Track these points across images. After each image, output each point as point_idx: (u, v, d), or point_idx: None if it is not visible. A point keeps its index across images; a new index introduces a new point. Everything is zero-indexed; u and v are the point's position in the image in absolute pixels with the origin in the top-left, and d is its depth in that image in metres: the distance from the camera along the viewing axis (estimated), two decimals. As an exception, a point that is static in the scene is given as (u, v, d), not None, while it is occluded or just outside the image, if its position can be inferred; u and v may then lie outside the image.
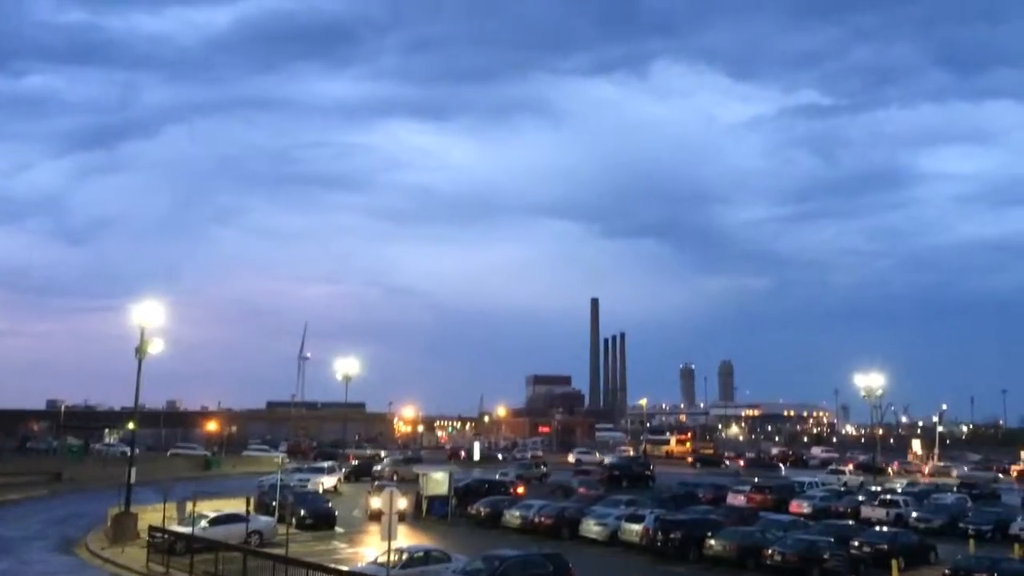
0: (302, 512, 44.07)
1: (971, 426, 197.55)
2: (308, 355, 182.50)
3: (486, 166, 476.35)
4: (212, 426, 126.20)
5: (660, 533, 37.88)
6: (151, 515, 39.99)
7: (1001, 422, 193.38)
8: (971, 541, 40.64)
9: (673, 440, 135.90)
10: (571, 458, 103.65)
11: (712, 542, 36.21)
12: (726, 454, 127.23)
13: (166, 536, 35.07)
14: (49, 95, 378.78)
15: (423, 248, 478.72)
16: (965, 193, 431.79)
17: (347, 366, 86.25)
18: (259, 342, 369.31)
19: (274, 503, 43.50)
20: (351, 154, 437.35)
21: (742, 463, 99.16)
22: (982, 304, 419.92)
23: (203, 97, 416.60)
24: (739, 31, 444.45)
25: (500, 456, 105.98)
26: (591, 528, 42.03)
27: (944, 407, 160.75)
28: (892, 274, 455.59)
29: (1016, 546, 38.33)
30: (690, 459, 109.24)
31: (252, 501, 43.87)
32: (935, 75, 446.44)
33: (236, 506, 41.71)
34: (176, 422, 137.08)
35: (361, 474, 72.80)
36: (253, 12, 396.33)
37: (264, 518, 40.97)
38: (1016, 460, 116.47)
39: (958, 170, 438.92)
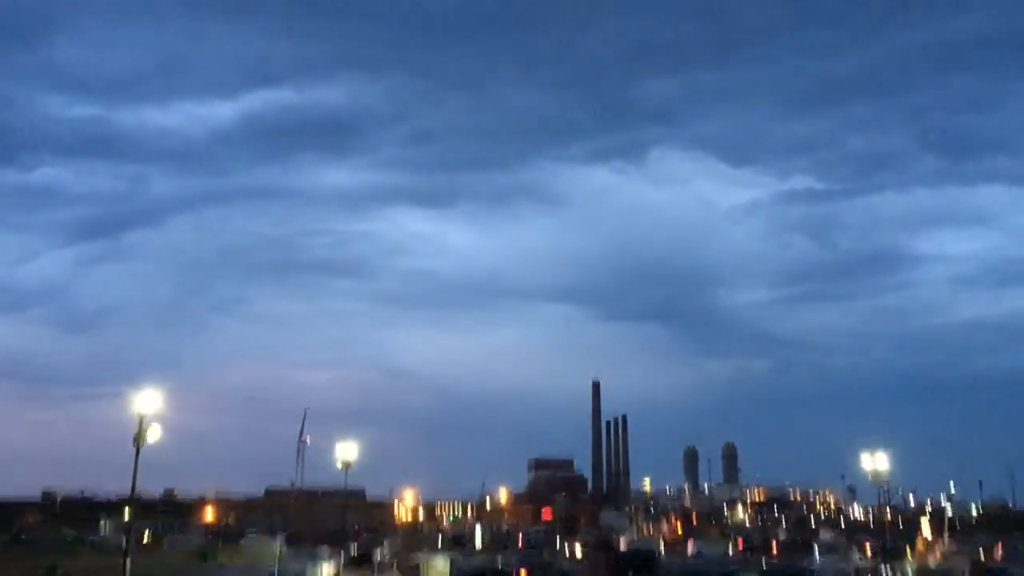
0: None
1: (981, 508, 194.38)
2: (307, 440, 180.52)
3: (487, 251, 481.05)
4: (209, 516, 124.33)
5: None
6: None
7: (1010, 503, 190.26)
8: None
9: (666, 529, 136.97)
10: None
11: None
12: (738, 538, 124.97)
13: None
14: (57, 187, 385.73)
15: (424, 332, 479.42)
16: (962, 274, 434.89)
17: (346, 451, 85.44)
18: (258, 428, 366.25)
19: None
20: (352, 241, 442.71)
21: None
22: (984, 385, 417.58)
23: (207, 188, 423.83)
24: (734, 119, 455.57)
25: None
26: (596, 618, 41.12)
27: (953, 489, 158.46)
28: (892, 355, 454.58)
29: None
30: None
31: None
32: (928, 161, 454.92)
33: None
34: (173, 511, 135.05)
35: (363, 562, 71.48)
36: (257, 106, 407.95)
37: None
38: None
39: (954, 252, 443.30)
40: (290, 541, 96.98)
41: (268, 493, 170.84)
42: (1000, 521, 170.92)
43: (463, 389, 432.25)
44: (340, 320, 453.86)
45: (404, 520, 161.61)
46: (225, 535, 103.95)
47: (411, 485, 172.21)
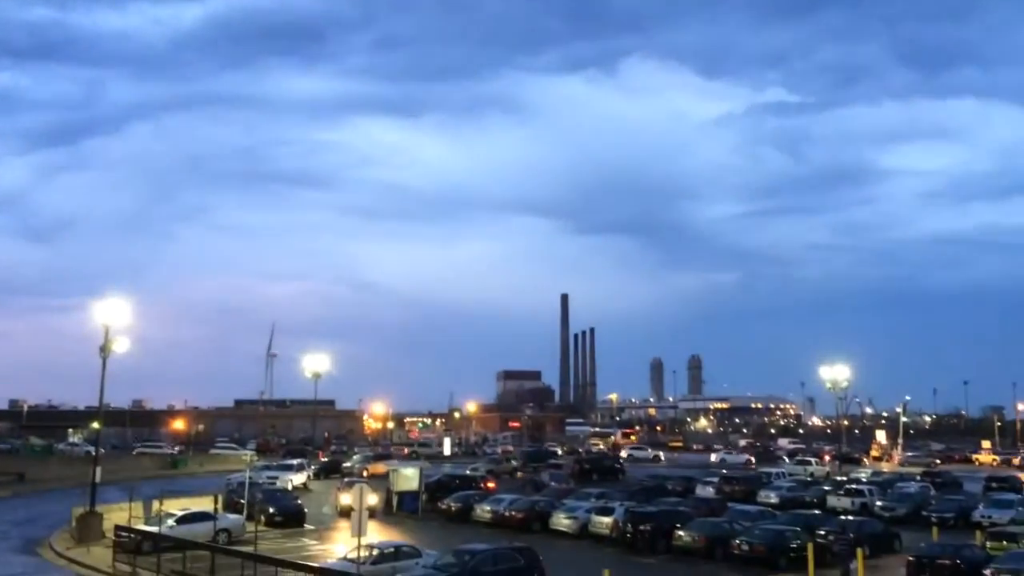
0: (271, 510, 43.78)
1: (934, 416, 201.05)
2: (276, 353, 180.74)
3: (457, 163, 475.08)
4: (179, 424, 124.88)
5: (630, 525, 38.10)
6: (117, 515, 39.51)
7: (963, 412, 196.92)
8: (934, 529, 41.32)
9: (622, 432, 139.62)
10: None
11: (681, 533, 36.50)
12: (695, 446, 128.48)
13: (132, 535, 34.62)
14: (15, 92, 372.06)
15: (393, 245, 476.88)
16: (929, 189, 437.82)
17: (316, 363, 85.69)
18: (227, 340, 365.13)
19: (242, 501, 43.13)
20: (320, 151, 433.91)
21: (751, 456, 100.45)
22: (945, 298, 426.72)
23: (169, 94, 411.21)
24: (708, 29, 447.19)
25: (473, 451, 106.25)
26: (561, 521, 42.18)
27: (908, 398, 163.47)
28: (857, 268, 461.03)
29: (978, 533, 39.03)
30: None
31: (220, 499, 43.42)
32: (900, 73, 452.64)
33: (204, 504, 41.26)
34: (142, 421, 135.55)
35: (331, 471, 72.45)
36: (221, 9, 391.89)
37: (232, 516, 40.60)
38: (977, 449, 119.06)
39: (922, 166, 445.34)
40: (260, 450, 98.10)
41: (237, 403, 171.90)
42: (952, 429, 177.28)
43: (432, 302, 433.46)
44: (308, 232, 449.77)
45: (374, 430, 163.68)
46: (195, 445, 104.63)
47: (381, 397, 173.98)
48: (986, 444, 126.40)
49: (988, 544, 34.44)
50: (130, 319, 42.05)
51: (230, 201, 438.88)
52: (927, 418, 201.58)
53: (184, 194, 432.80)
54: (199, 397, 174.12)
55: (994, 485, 62.03)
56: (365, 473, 67.52)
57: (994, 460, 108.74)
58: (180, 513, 37.92)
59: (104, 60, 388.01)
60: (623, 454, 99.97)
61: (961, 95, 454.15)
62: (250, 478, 45.91)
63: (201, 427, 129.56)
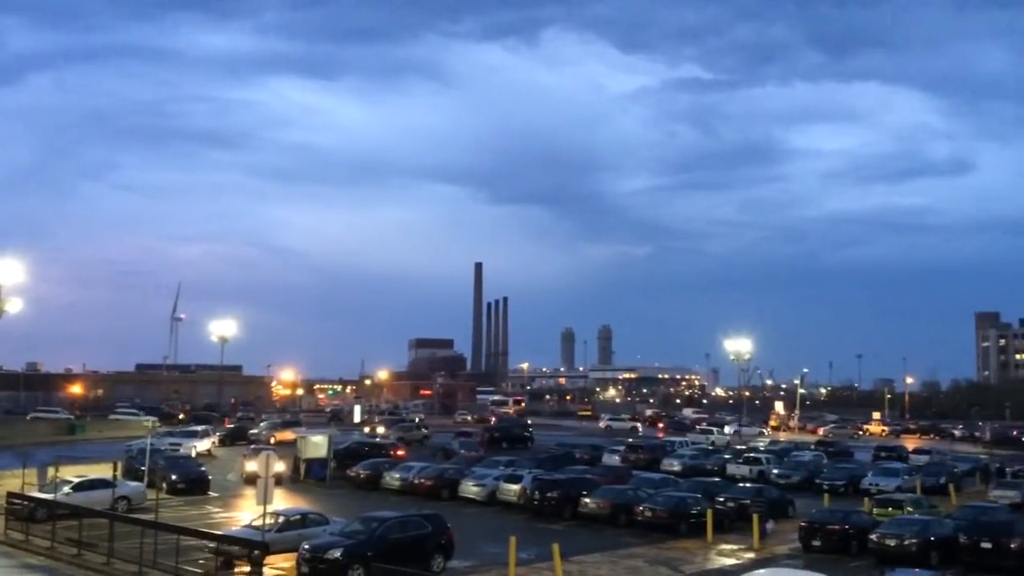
0: (173, 477, 42.82)
1: (830, 388, 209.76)
2: (182, 316, 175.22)
3: (373, 127, 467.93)
4: (76, 389, 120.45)
5: (537, 492, 38.72)
6: (10, 481, 37.97)
7: (856, 385, 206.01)
8: (826, 495, 43.26)
9: (511, 402, 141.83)
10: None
11: (587, 500, 37.28)
12: (604, 415, 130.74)
13: (25, 503, 33.38)
14: None
15: (305, 208, 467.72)
16: (832, 169, 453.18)
17: (223, 327, 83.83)
18: (129, 303, 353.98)
19: (143, 468, 42.04)
20: (232, 110, 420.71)
21: (661, 425, 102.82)
22: (844, 275, 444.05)
23: (72, 45, 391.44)
24: (627, 3, 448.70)
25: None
26: (470, 489, 42.55)
27: (805, 371, 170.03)
28: (763, 245, 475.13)
29: (866, 500, 41.11)
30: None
31: (120, 466, 42.19)
32: (810, 55, 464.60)
33: (102, 471, 39.98)
34: (37, 385, 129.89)
35: (237, 438, 71.24)
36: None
37: (132, 483, 39.55)
38: (868, 420, 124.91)
39: (827, 147, 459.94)
40: (163, 416, 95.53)
41: (140, 368, 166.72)
42: (846, 401, 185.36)
43: (345, 268, 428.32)
44: (218, 193, 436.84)
45: (282, 397, 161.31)
46: (93, 410, 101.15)
47: (290, 363, 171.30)
48: (876, 415, 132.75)
49: (875, 510, 36.28)
50: (24, 278, 40.18)
51: (136, 159, 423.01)
52: (823, 390, 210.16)
53: (87, 150, 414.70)
54: (99, 361, 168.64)
55: (882, 454, 65.28)
56: (272, 440, 66.66)
57: (883, 431, 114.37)
58: (77, 480, 36.73)
59: (2, 6, 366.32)
60: (602, 424, 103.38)
61: (867, 78, 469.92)
62: (152, 444, 44.76)
63: (100, 392, 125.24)
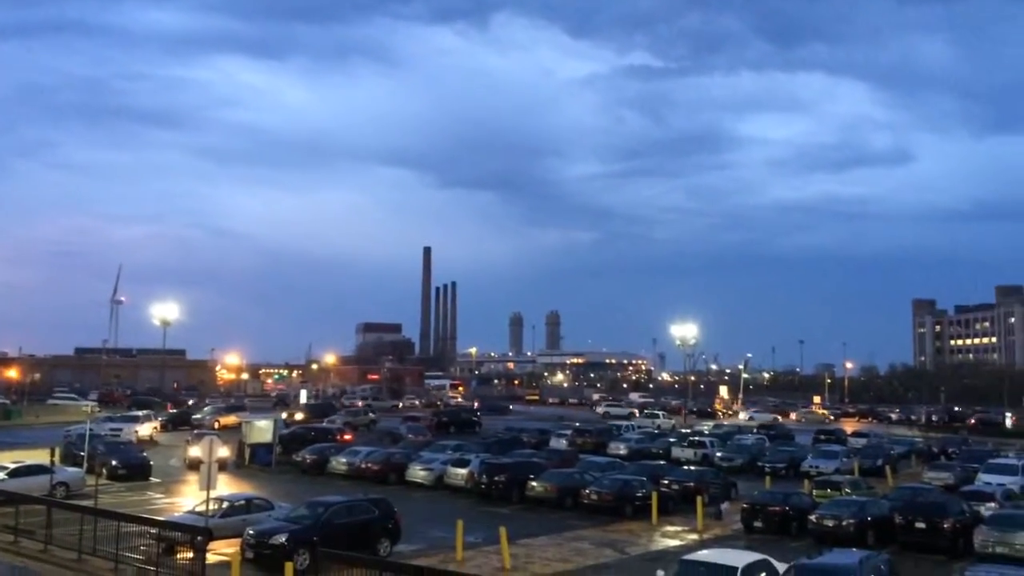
0: (114, 462, 41.97)
1: (772, 373, 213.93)
2: (123, 299, 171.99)
3: (320, 109, 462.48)
4: (12, 373, 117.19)
5: (485, 476, 38.82)
6: (-60, 468, 36.80)
7: (798, 369, 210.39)
8: (767, 478, 44.18)
9: (448, 384, 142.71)
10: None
11: (534, 484, 37.51)
12: (551, 399, 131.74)
13: (-43, 490, 32.37)
14: None
15: (251, 191, 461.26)
16: (777, 157, 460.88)
17: (165, 311, 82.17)
18: (67, 285, 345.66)
19: (82, 453, 41.12)
20: (176, 89, 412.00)
21: (600, 411, 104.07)
22: (787, 262, 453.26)
23: (7, 18, 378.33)
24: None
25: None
26: (418, 473, 42.50)
27: (749, 356, 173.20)
28: (709, 231, 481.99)
29: (806, 481, 42.06)
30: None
31: (58, 452, 41.21)
32: (757, 45, 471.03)
33: (39, 457, 39.00)
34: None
35: (180, 423, 70.08)
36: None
37: (71, 469, 38.64)
38: (809, 404, 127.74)
39: (772, 135, 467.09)
40: (102, 400, 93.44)
41: (78, 352, 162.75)
42: (788, 385, 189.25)
43: (291, 251, 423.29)
44: (160, 173, 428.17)
45: (227, 381, 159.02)
46: (30, 395, 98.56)
47: (235, 347, 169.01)
48: (817, 399, 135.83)
49: (814, 492, 37.13)
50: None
51: (75, 137, 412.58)
52: (766, 374, 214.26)
53: (23, 127, 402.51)
54: (36, 345, 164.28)
55: (822, 437, 66.78)
56: (217, 425, 65.70)
57: (824, 414, 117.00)
58: (12, 466, 35.80)
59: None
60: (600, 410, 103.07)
61: (811, 69, 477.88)
62: (91, 430, 43.80)
63: (37, 376, 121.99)
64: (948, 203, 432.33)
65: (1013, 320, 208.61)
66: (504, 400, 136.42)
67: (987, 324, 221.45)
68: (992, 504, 33.44)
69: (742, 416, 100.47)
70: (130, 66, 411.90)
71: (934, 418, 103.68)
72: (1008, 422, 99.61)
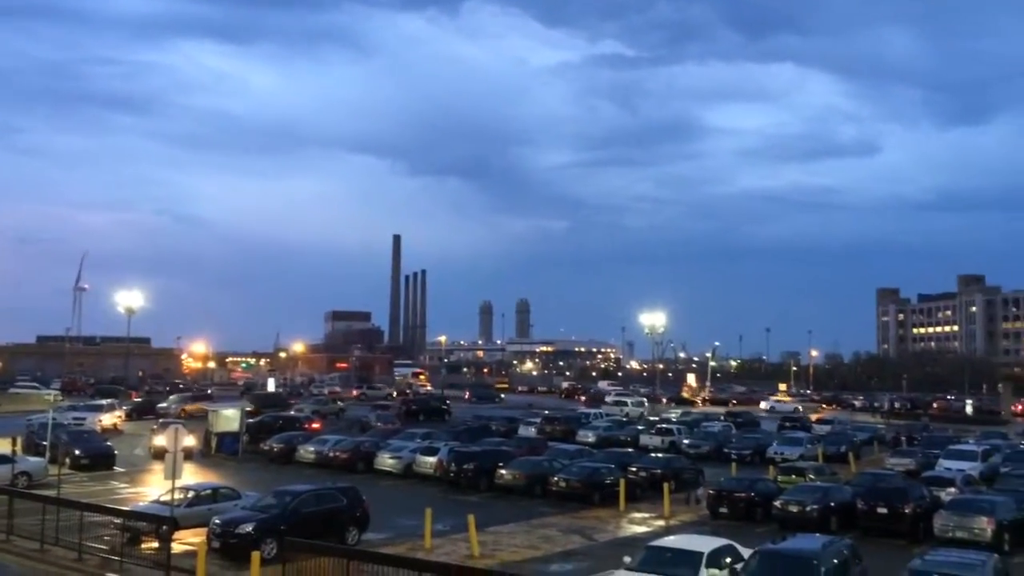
0: (77, 452, 41.47)
1: (740, 361, 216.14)
2: (86, 286, 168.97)
3: (289, 95, 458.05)
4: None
5: (454, 464, 38.83)
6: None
7: (764, 357, 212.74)
8: (733, 464, 44.65)
9: (411, 372, 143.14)
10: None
11: (503, 472, 37.59)
12: (520, 388, 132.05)
13: (-85, 481, 31.82)
14: None
15: (217, 177, 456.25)
16: (747, 147, 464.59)
17: (130, 298, 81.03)
18: (30, 272, 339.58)
19: (45, 443, 40.49)
20: (142, 73, 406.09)
21: (583, 398, 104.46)
22: (755, 251, 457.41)
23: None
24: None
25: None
26: (386, 461, 42.41)
27: (717, 344, 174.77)
28: (680, 220, 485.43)
29: (771, 468, 42.57)
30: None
31: (19, 441, 40.58)
32: (727, 35, 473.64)
33: (0, 446, 38.49)
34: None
35: (144, 412, 69.31)
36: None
37: (33, 459, 38.08)
38: (775, 391, 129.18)
39: (742, 125, 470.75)
40: (65, 389, 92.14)
41: (41, 340, 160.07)
42: (755, 373, 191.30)
43: (259, 238, 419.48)
44: (126, 159, 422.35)
45: (193, 369, 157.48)
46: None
47: (201, 335, 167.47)
48: (782, 387, 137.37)
49: (779, 478, 37.56)
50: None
51: (38, 122, 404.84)
52: (733, 362, 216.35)
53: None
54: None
55: (787, 424, 67.64)
56: (183, 414, 65.07)
57: (788, 402, 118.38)
58: (-28, 456, 35.19)
59: None
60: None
61: (781, 60, 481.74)
62: (54, 419, 43.14)
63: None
64: (913, 194, 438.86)
65: (974, 309, 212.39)
66: (481, 387, 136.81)
67: (949, 313, 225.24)
68: (952, 489, 34.08)
69: (763, 405, 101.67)
70: (96, 50, 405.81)
71: (896, 405, 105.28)
72: (968, 409, 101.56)
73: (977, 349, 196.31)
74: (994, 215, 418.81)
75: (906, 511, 29.47)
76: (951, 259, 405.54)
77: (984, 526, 27.33)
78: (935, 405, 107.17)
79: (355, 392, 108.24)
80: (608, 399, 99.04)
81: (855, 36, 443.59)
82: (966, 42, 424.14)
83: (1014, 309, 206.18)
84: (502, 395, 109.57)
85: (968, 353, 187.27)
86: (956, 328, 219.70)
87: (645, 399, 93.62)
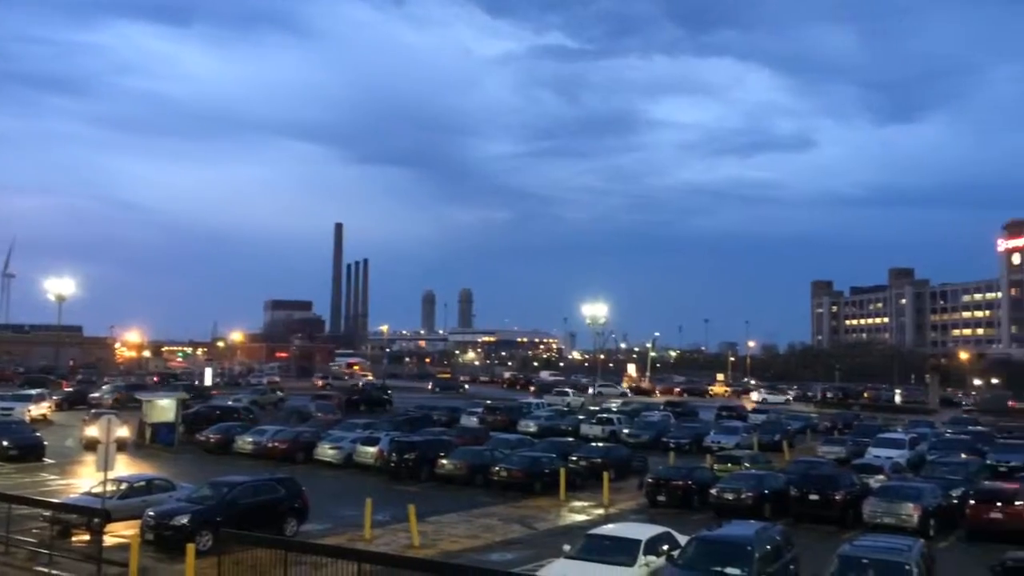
0: (4, 443, 40.19)
1: (679, 352, 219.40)
2: (13, 273, 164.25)
3: (228, 79, 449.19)
4: None
5: (394, 455, 38.69)
6: None
7: (703, 348, 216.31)
8: (671, 453, 45.34)
9: (347, 363, 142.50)
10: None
11: (444, 461, 37.57)
12: (463, 378, 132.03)
13: None
14: None
15: (153, 162, 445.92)
16: (687, 141, 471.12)
17: (61, 286, 78.83)
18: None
19: (-31, 435, 39.23)
20: (74, 54, 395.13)
21: (532, 388, 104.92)
22: (694, 243, 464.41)
23: None
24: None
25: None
26: (326, 452, 42.05)
27: (657, 334, 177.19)
28: (621, 212, 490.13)
29: (708, 456, 43.35)
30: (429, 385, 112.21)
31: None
32: (669, 29, 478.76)
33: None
34: None
35: (76, 402, 67.53)
36: None
37: (-43, 451, 36.85)
38: (713, 381, 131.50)
39: (682, 119, 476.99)
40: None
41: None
42: (694, 363, 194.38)
43: (197, 225, 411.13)
44: (56, 141, 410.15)
45: (127, 359, 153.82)
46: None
47: (136, 323, 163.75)
48: (720, 377, 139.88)
49: (716, 466, 38.28)
50: None
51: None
52: (672, 353, 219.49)
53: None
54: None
55: (724, 414, 68.90)
56: (114, 404, 63.50)
57: (726, 391, 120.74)
58: None
59: None
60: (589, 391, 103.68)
61: (722, 55, 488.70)
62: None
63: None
64: (846, 188, 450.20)
65: (904, 301, 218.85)
66: (418, 378, 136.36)
67: (880, 305, 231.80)
68: (881, 477, 35.14)
69: (754, 397, 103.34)
70: (27, 29, 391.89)
71: (829, 395, 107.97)
72: (897, 399, 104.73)
73: (906, 340, 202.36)
74: (924, 210, 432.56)
75: (837, 498, 30.27)
76: (883, 253, 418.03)
77: (911, 512, 28.24)
78: (866, 395, 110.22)
79: (320, 382, 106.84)
80: (599, 390, 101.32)
81: (794, 33, 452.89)
82: (900, 42, 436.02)
83: (942, 302, 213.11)
84: (465, 386, 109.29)
85: (898, 344, 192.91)
86: (887, 320, 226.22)
87: (628, 390, 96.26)
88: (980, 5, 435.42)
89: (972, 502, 28.93)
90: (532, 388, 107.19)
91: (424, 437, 42.34)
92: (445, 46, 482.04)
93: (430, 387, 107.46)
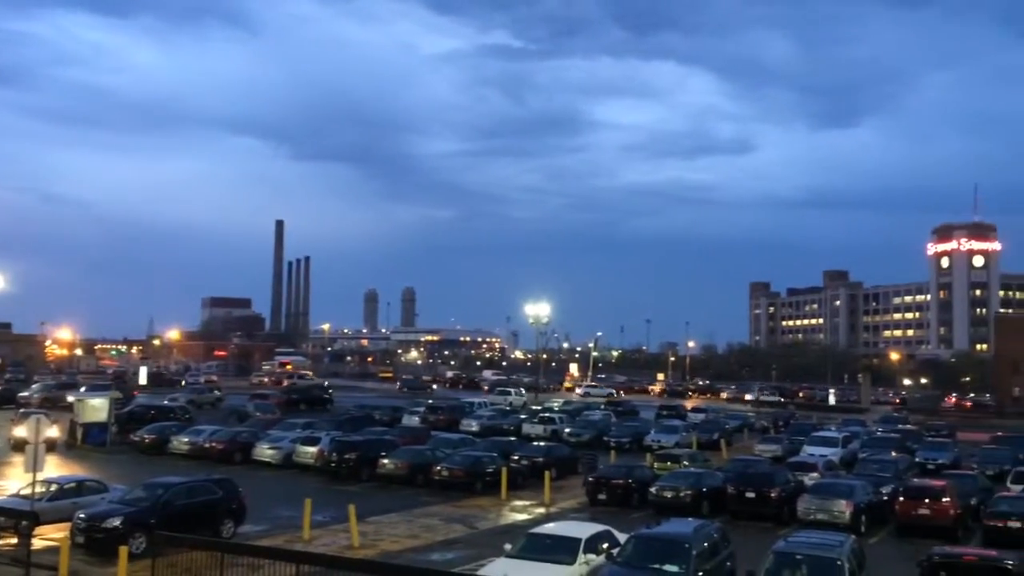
0: (-74, 445, 38.74)
1: (621, 351, 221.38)
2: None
3: (169, 72, 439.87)
4: None
5: (335, 454, 38.30)
6: None
7: (645, 348, 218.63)
8: (613, 452, 45.74)
9: (279, 361, 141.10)
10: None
11: (385, 461, 37.31)
12: (404, 376, 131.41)
13: None
14: None
15: (88, 155, 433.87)
16: (630, 142, 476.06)
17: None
18: None
19: None
20: (8, 43, 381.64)
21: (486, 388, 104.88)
22: (637, 244, 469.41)
23: None
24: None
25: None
26: (265, 452, 41.44)
27: (599, 334, 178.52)
28: (565, 212, 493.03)
29: (648, 455, 43.85)
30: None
31: None
32: (614, 31, 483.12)
33: None
34: None
35: (4, 401, 65.42)
36: None
37: None
38: (654, 381, 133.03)
39: (626, 121, 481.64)
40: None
41: None
42: (635, 363, 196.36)
43: (132, 220, 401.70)
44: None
45: (58, 357, 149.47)
46: None
47: (68, 320, 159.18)
48: (660, 376, 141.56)
49: (656, 465, 38.77)
50: None
51: None
52: (615, 352, 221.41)
53: None
54: None
55: (664, 413, 69.76)
56: (44, 403, 61.65)
57: (664, 391, 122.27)
58: None
59: None
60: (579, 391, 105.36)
61: (665, 58, 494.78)
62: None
63: None
64: (784, 192, 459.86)
65: (838, 303, 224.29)
66: (359, 377, 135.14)
67: (815, 306, 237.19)
68: (815, 474, 35.98)
69: (748, 397, 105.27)
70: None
71: (765, 394, 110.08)
72: (831, 398, 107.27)
73: (840, 341, 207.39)
74: (859, 214, 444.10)
75: (772, 495, 30.90)
76: (818, 255, 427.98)
77: (843, 509, 28.96)
78: (801, 394, 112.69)
79: (286, 381, 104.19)
80: (587, 391, 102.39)
81: (735, 38, 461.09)
82: (837, 48, 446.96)
83: (874, 303, 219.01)
84: (433, 386, 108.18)
85: (832, 344, 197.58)
86: (821, 321, 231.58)
87: (614, 390, 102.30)
88: (915, 13, 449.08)
89: (901, 499, 29.80)
90: (486, 388, 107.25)
91: (365, 437, 42.01)
92: (389, 42, 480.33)
93: (398, 387, 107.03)
